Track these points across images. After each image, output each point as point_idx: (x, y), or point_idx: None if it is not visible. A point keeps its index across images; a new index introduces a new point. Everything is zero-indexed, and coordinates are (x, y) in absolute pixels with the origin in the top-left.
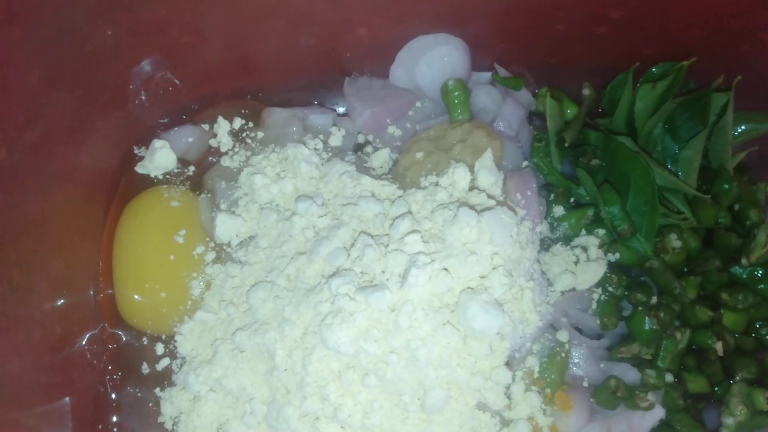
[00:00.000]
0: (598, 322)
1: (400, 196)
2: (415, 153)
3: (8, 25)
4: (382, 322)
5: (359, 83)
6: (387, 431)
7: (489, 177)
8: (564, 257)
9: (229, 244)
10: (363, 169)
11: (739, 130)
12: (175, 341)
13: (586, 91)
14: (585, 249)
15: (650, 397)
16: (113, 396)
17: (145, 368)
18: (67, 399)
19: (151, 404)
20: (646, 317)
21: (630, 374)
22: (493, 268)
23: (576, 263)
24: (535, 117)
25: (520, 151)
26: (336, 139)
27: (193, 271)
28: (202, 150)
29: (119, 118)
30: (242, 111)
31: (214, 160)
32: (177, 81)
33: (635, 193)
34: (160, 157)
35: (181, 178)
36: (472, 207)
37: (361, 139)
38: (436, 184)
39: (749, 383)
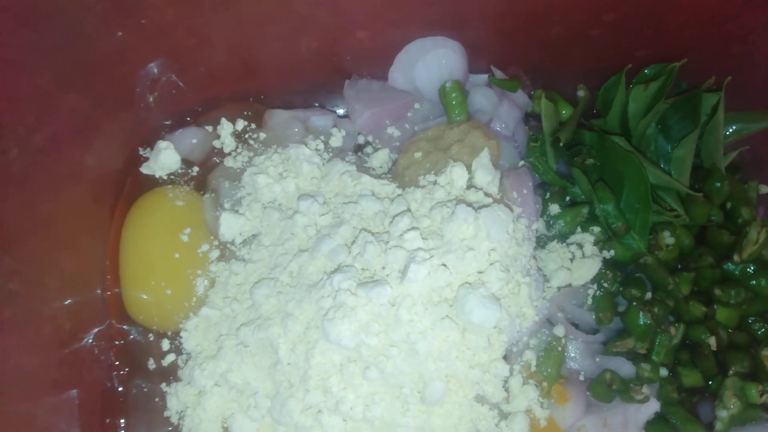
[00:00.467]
0: (594, 317)
1: (399, 195)
2: (414, 153)
3: (19, 29)
4: (382, 317)
5: (359, 85)
6: (388, 423)
7: (486, 175)
8: (560, 254)
9: (232, 243)
10: (363, 168)
11: (730, 130)
12: (181, 337)
13: (580, 93)
14: (580, 246)
15: (645, 389)
16: (120, 390)
17: (152, 364)
18: (75, 393)
19: (157, 399)
20: (641, 312)
21: (625, 368)
22: (491, 264)
23: (572, 260)
24: (530, 118)
25: (516, 151)
26: (336, 139)
27: (198, 269)
28: (206, 151)
29: (125, 120)
30: (245, 113)
31: (218, 160)
32: (181, 84)
33: (629, 191)
34: (164, 158)
35: (186, 178)
36: (469, 204)
37: (361, 140)
38: (435, 182)
39: (742, 377)
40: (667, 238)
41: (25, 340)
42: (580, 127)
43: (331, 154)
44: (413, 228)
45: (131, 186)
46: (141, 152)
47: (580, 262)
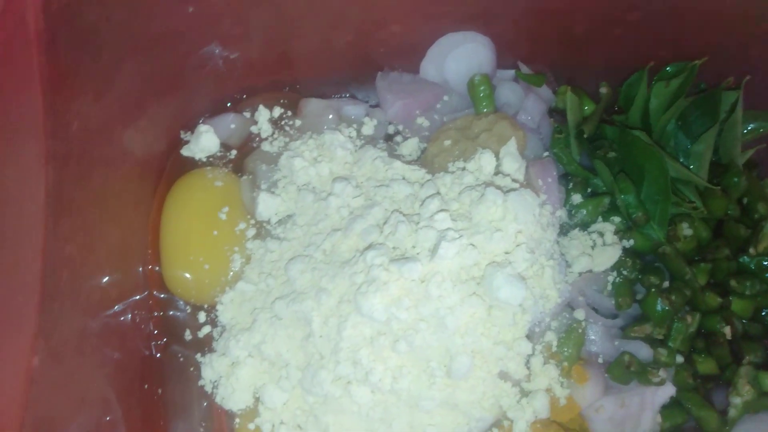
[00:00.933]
0: (613, 302)
1: (429, 179)
2: (444, 141)
3: (85, 8)
4: (413, 292)
5: (390, 77)
6: (414, 395)
7: (513, 163)
8: (581, 241)
9: (268, 222)
10: (394, 155)
11: (748, 128)
12: (217, 310)
13: (603, 90)
14: (601, 234)
15: (662, 373)
16: (158, 358)
17: (188, 335)
18: (116, 356)
19: (192, 369)
20: (659, 299)
21: (643, 351)
22: (517, 245)
23: (593, 247)
24: (554, 113)
25: (541, 142)
26: (368, 128)
27: (235, 246)
28: (244, 136)
29: (171, 104)
30: (281, 101)
31: (255, 145)
32: (224, 71)
33: (649, 183)
34: (204, 141)
35: (224, 161)
36: (498, 188)
37: (391, 129)
38: (464, 168)
39: (756, 366)
40: (686, 230)
41: (78, 302)
42: (602, 122)
43: (363, 142)
44: (443, 210)
45: (172, 167)
46: (182, 136)
47: (601, 250)
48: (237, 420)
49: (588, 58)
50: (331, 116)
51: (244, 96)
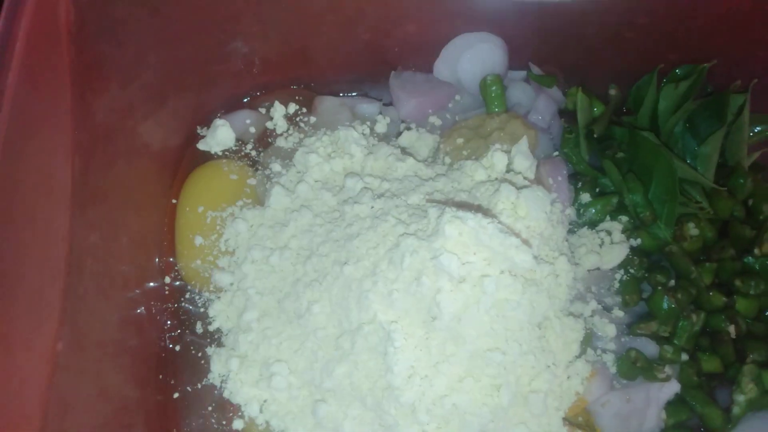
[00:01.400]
0: (620, 299)
1: (441, 174)
2: (456, 139)
3: (111, 1)
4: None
5: (404, 76)
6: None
7: (525, 161)
8: (590, 239)
9: (282, 215)
10: (407, 152)
11: (755, 131)
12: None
13: (612, 91)
14: (609, 233)
15: (667, 369)
16: (171, 349)
17: (199, 328)
18: (134, 345)
19: (203, 362)
20: (665, 297)
21: (649, 348)
22: (530, 238)
23: (601, 245)
24: (564, 114)
25: (552, 142)
26: (381, 126)
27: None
28: (259, 131)
29: (189, 98)
30: (296, 98)
31: (270, 140)
32: (242, 68)
33: (657, 183)
34: (220, 134)
35: (239, 155)
36: (512, 184)
37: (403, 127)
38: (476, 165)
39: (760, 365)
40: (692, 230)
41: (100, 291)
42: (611, 123)
43: (376, 139)
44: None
45: (188, 161)
46: (199, 131)
47: (609, 248)
48: (247, 414)
49: (598, 60)
50: (345, 114)
51: (260, 93)
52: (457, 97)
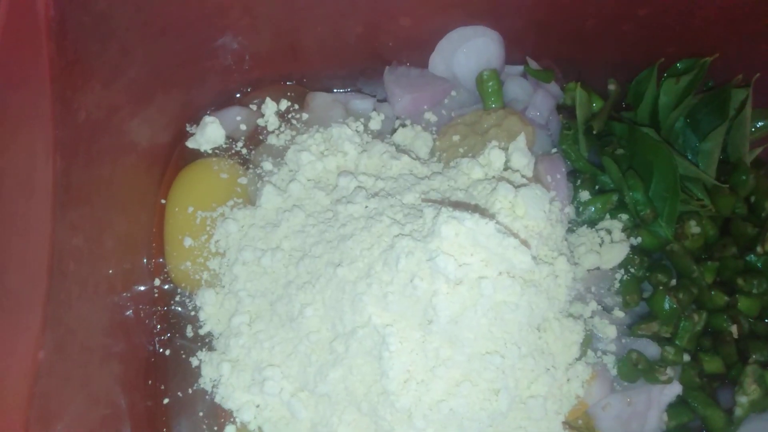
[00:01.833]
0: (621, 300)
1: (437, 173)
2: (452, 136)
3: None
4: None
5: (398, 71)
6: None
7: (522, 159)
8: (589, 238)
9: (274, 215)
10: (401, 150)
11: (757, 126)
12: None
13: (611, 86)
14: (609, 232)
15: (669, 371)
16: (160, 353)
17: (190, 331)
18: (122, 350)
19: (194, 366)
20: (666, 297)
21: (650, 349)
22: (529, 238)
23: (600, 244)
24: (562, 109)
25: (550, 138)
26: (375, 123)
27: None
28: (250, 128)
29: (177, 95)
30: (288, 94)
31: (262, 138)
32: (231, 64)
33: (658, 180)
34: (210, 132)
35: (230, 153)
36: (510, 182)
37: (398, 124)
38: (472, 163)
39: (762, 365)
40: (693, 228)
41: (85, 293)
42: (610, 119)
43: (370, 136)
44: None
45: (177, 159)
46: (188, 128)
47: (609, 247)
48: (239, 420)
49: (597, 54)
50: (338, 110)
51: (251, 89)
52: (453, 93)
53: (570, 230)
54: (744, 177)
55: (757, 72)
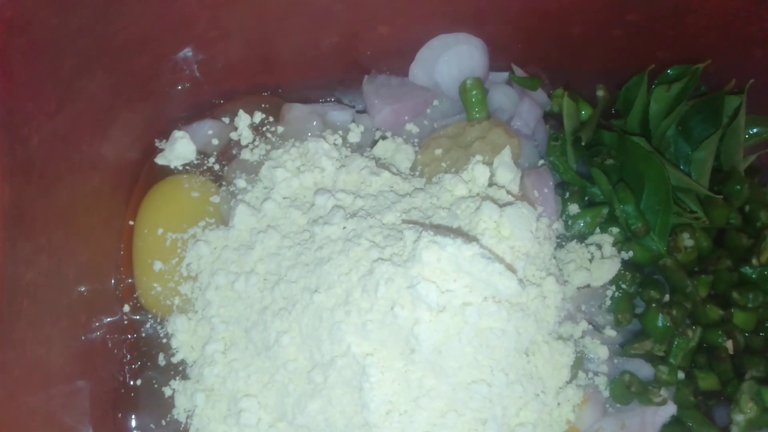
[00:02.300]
0: (612, 318)
1: (419, 189)
2: (434, 149)
3: (43, 14)
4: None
5: (378, 81)
6: None
7: (508, 174)
8: (579, 254)
9: (247, 236)
10: (381, 164)
11: (751, 133)
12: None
13: (600, 92)
14: (599, 247)
15: (663, 392)
16: (132, 385)
17: (162, 360)
18: (88, 386)
19: (167, 396)
20: (660, 314)
21: (643, 370)
22: (515, 260)
23: (590, 260)
24: (549, 118)
25: (536, 149)
26: (355, 135)
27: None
28: (223, 143)
29: (143, 110)
30: (262, 106)
31: (235, 152)
32: (200, 76)
33: (649, 192)
34: (180, 147)
35: (201, 169)
36: (494, 201)
37: (378, 135)
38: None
39: (759, 381)
40: (687, 240)
41: (42, 332)
42: (599, 128)
43: (349, 150)
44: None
45: (146, 177)
46: (157, 144)
47: (599, 263)
48: None
49: (585, 59)
50: (315, 122)
51: (223, 101)
52: (435, 103)
53: (559, 245)
54: (738, 186)
55: (751, 78)
